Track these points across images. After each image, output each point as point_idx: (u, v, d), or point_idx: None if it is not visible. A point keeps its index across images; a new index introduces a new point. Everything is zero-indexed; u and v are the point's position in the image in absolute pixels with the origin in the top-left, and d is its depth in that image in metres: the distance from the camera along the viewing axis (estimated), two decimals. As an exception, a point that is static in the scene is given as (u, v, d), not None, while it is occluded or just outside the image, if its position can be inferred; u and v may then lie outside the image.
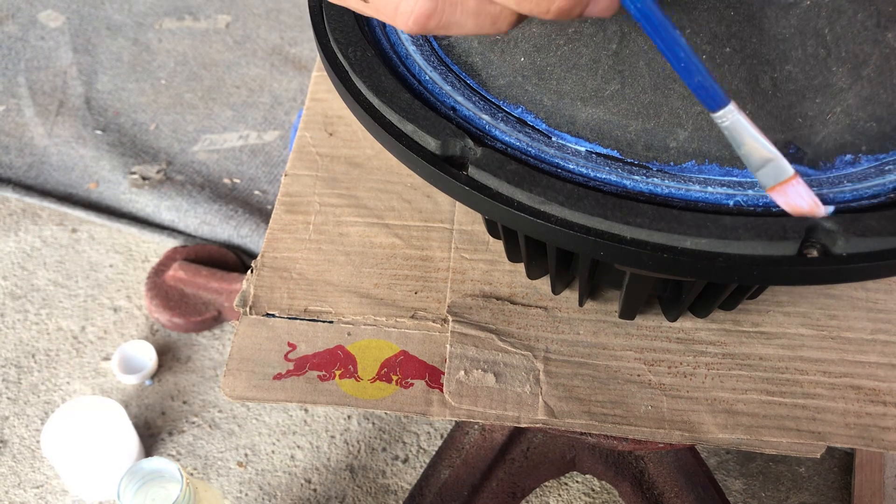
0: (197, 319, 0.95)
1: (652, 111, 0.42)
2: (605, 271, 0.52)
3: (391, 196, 0.63)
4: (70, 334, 0.97)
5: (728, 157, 0.42)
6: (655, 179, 0.42)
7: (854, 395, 0.52)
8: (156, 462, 0.64)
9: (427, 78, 0.47)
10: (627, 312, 0.55)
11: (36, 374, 0.93)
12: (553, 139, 0.44)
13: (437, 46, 0.49)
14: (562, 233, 0.39)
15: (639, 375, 0.53)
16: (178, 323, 0.95)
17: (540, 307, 0.56)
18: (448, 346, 0.54)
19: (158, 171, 1.14)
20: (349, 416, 0.89)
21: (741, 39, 0.40)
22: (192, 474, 0.85)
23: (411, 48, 0.49)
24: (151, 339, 0.96)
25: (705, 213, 0.39)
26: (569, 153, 0.43)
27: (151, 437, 0.88)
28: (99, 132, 1.20)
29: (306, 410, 0.90)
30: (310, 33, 1.40)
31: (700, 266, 0.38)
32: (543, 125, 0.44)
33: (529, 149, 0.43)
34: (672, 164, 0.42)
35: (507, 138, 0.44)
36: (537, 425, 0.51)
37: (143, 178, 1.13)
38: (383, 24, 0.50)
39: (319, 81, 0.72)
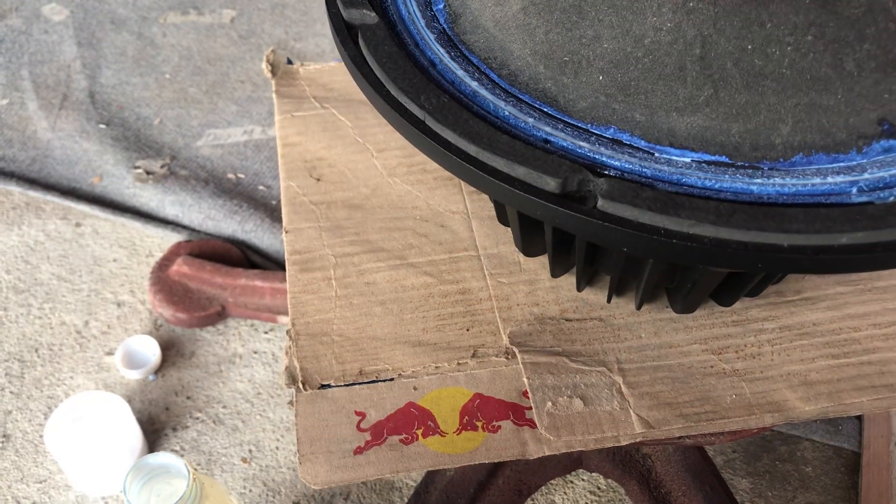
0: (201, 314, 0.94)
1: (751, 111, 0.42)
2: (666, 272, 0.51)
3: (405, 233, 0.60)
4: (73, 329, 0.96)
5: (831, 143, 0.42)
6: (776, 179, 0.41)
7: None
8: (162, 457, 0.64)
9: (506, 113, 0.45)
10: (691, 307, 0.54)
11: (39, 369, 0.92)
12: (657, 155, 0.43)
13: (498, 78, 0.47)
14: (717, 252, 0.38)
15: (712, 367, 0.52)
16: (182, 318, 0.94)
17: (595, 319, 0.55)
18: (525, 379, 0.51)
19: (162, 166, 1.14)
20: (354, 413, 0.89)
21: (820, 26, 0.40)
22: (195, 470, 0.85)
23: (474, 84, 0.47)
24: (155, 335, 0.96)
25: (849, 205, 0.39)
26: (680, 167, 0.42)
27: (155, 432, 0.88)
28: (103, 126, 1.20)
29: (311, 407, 0.89)
30: (314, 28, 1.39)
31: (858, 259, 0.38)
32: (642, 142, 0.43)
33: (644, 170, 0.42)
34: (781, 160, 0.42)
35: (617, 163, 0.42)
36: (638, 440, 0.49)
37: (148, 173, 1.12)
38: (433, 62, 0.48)
39: (286, 125, 0.68)
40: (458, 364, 0.53)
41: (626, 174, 0.42)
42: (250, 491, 0.83)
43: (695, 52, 0.42)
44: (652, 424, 0.49)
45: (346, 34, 0.49)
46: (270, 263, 1.02)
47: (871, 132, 0.42)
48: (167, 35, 1.37)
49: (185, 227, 1.06)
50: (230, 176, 1.13)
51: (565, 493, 0.83)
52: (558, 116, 0.45)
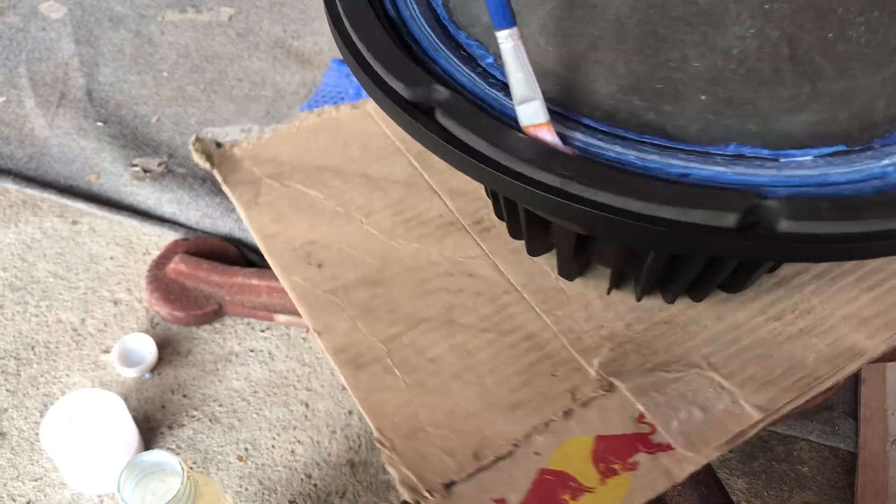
0: (198, 313, 0.94)
1: (849, 95, 0.42)
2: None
3: (440, 294, 0.56)
4: (70, 326, 0.96)
5: None
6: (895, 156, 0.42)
7: None
8: (156, 455, 0.64)
9: (633, 158, 0.43)
10: (741, 286, 0.55)
11: (35, 367, 0.92)
12: (781, 160, 0.42)
13: (596, 122, 0.44)
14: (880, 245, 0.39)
15: (781, 333, 0.53)
16: (179, 316, 0.94)
17: (660, 322, 0.54)
18: (640, 406, 0.49)
19: (160, 164, 1.13)
20: (350, 412, 0.89)
21: (880, 0, 0.41)
22: (191, 468, 0.85)
23: (578, 135, 0.44)
24: (151, 333, 0.96)
25: None
26: (810, 167, 0.42)
27: (151, 430, 0.88)
28: (100, 124, 1.19)
29: (307, 405, 0.89)
30: (313, 26, 1.39)
31: None
32: (765, 151, 0.43)
33: (792, 179, 0.42)
34: (888, 135, 0.43)
35: (780, 180, 0.42)
36: (759, 428, 0.48)
37: (145, 171, 1.12)
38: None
39: (255, 217, 0.61)
40: (564, 413, 0.50)
41: (800, 189, 0.41)
42: (246, 489, 0.83)
43: (784, 52, 0.41)
44: (766, 408, 0.49)
45: (415, 111, 0.44)
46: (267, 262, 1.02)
47: None
48: (165, 33, 1.37)
49: (182, 226, 1.06)
50: (227, 174, 1.13)
51: (561, 492, 0.83)
52: (672, 146, 0.43)
